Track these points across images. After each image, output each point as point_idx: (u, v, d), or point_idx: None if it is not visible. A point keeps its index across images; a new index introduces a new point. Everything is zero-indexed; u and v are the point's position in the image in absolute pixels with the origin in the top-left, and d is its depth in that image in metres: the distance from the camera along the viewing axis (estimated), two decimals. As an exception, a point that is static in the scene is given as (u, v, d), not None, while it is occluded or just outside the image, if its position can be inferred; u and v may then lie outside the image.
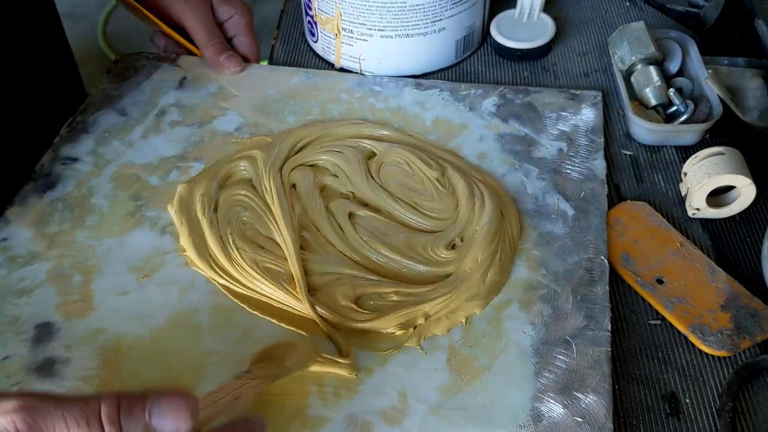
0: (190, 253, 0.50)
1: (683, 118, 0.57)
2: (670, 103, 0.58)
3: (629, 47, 0.60)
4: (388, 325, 0.46)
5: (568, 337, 0.45)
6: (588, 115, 0.60)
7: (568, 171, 0.56)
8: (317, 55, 0.70)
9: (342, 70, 0.68)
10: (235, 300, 0.48)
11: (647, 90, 0.59)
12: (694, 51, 0.62)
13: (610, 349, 0.44)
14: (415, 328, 0.46)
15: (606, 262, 0.49)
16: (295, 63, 0.70)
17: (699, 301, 0.46)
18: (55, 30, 0.70)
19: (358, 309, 0.47)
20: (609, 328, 0.45)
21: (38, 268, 0.50)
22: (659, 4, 0.69)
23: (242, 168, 0.56)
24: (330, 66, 0.69)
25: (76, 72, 0.75)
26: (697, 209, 0.51)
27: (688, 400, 0.43)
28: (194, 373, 0.44)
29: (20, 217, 0.54)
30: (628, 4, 0.74)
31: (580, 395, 0.42)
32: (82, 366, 0.45)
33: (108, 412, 0.32)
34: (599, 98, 0.62)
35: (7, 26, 0.60)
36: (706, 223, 0.52)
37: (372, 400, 0.43)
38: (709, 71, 0.57)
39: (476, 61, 0.69)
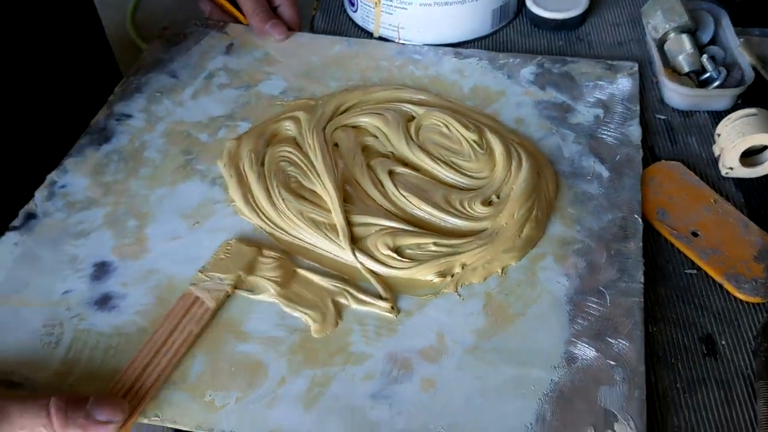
0: (239, 203, 0.53)
1: (716, 84, 0.58)
2: (703, 70, 0.60)
3: (663, 16, 0.62)
4: (426, 273, 0.48)
5: (601, 288, 0.47)
6: (624, 84, 0.62)
7: (603, 136, 0.57)
8: (356, 25, 0.73)
9: (381, 39, 0.70)
10: (281, 246, 0.50)
11: (680, 57, 0.60)
12: (725, 21, 0.63)
13: (642, 300, 0.46)
14: (452, 276, 0.48)
15: (639, 220, 0.50)
16: (334, 32, 0.72)
17: (733, 253, 0.47)
18: (89, 13, 0.73)
19: (398, 258, 0.49)
20: (642, 280, 0.47)
21: (95, 213, 0.53)
22: (692, -23, 0.70)
23: (287, 128, 0.58)
24: (369, 35, 0.71)
25: (110, 55, 0.78)
26: (731, 168, 0.52)
27: (724, 342, 0.44)
28: (242, 309, 0.47)
29: (77, 167, 0.57)
30: (662, -22, 0.75)
31: (612, 340, 0.44)
32: (138, 302, 0.47)
33: (57, 403, 0.39)
34: (635, 69, 0.63)
35: (46, 11, 0.62)
36: (739, 182, 0.53)
37: (411, 340, 0.45)
38: (741, 39, 0.58)
39: (511, 31, 0.71)
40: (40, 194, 0.55)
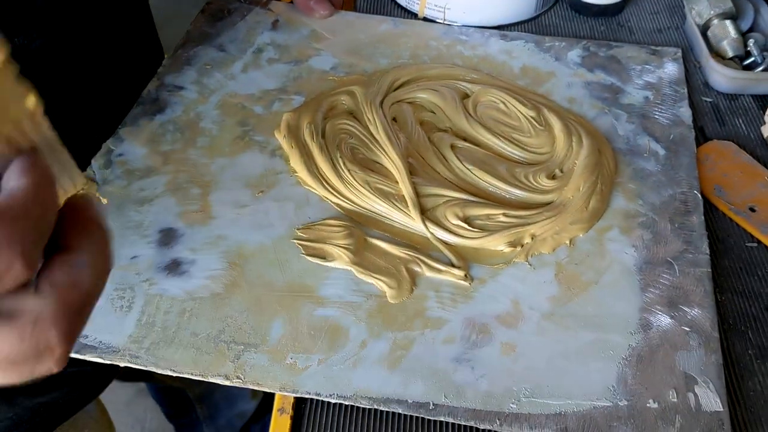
0: (302, 174, 0.53)
1: (761, 68, 0.60)
2: (747, 55, 0.61)
3: (707, 2, 0.63)
4: (497, 242, 0.48)
5: (669, 259, 0.48)
6: (670, 68, 0.63)
7: (656, 116, 0.58)
8: (398, 6, 0.73)
9: (426, 20, 0.71)
10: (349, 216, 0.51)
11: (725, 42, 0.62)
12: (765, 10, 0.65)
13: (710, 270, 0.47)
14: (522, 246, 0.49)
15: (699, 196, 0.52)
16: (377, 13, 0.72)
17: (792, 227, 0.49)
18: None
19: (469, 228, 0.49)
20: (707, 252, 0.48)
21: (156, 181, 0.53)
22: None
23: (343, 102, 0.59)
24: (413, 16, 0.72)
25: (155, 32, 0.77)
26: (784, 148, 0.54)
27: (792, 312, 0.46)
28: (316, 276, 0.47)
29: (133, 135, 0.56)
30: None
31: (685, 308, 0.45)
32: (208, 267, 0.47)
33: None
34: (679, 54, 0.64)
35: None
36: (789, 162, 0.55)
37: (487, 306, 0.45)
38: (785, 26, 0.60)
39: (553, 16, 0.72)
40: (96, 162, 0.54)
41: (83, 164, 0.54)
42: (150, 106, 0.59)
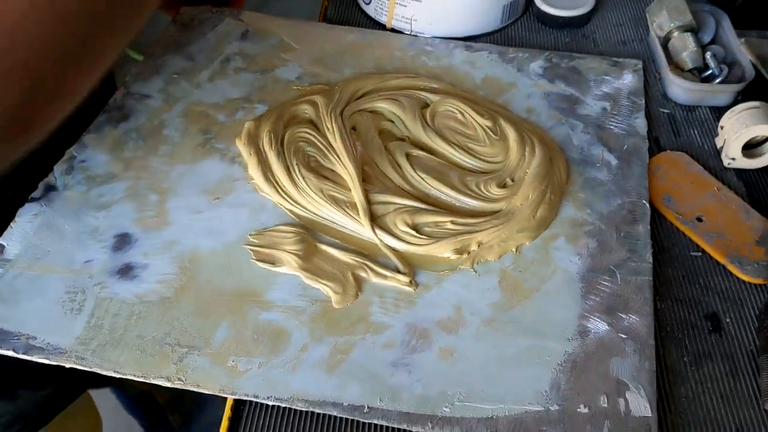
0: (258, 181, 0.54)
1: (718, 80, 0.61)
2: (706, 68, 0.62)
3: (668, 15, 0.64)
4: (444, 249, 0.49)
5: (612, 267, 0.48)
6: (629, 79, 0.64)
7: (611, 127, 0.59)
8: (368, 17, 0.74)
9: (393, 30, 0.72)
10: (302, 223, 0.52)
11: (684, 54, 0.63)
12: (726, 23, 0.66)
13: (651, 278, 0.47)
14: (468, 253, 0.49)
15: (647, 205, 0.52)
16: (345, 24, 0.74)
17: (736, 237, 0.50)
18: None
19: (417, 235, 0.50)
20: (650, 260, 0.49)
21: (116, 187, 0.54)
22: (694, -18, 0.73)
23: (305, 111, 0.60)
24: (381, 27, 0.73)
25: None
26: (733, 159, 0.55)
27: (728, 320, 0.46)
28: (264, 281, 0.48)
29: (97, 142, 0.57)
30: (664, -17, 0.78)
31: (623, 315, 0.46)
32: (160, 271, 0.48)
33: None
34: (640, 66, 0.65)
35: None
36: (740, 172, 0.56)
37: (429, 311, 0.46)
38: (742, 39, 0.61)
39: (520, 28, 0.73)
40: (59, 168, 0.55)
41: (47, 170, 0.55)
42: (115, 114, 0.60)
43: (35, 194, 0.53)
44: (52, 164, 0.55)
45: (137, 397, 0.95)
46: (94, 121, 0.59)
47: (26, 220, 0.51)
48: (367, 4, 0.73)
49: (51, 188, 0.54)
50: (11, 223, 0.51)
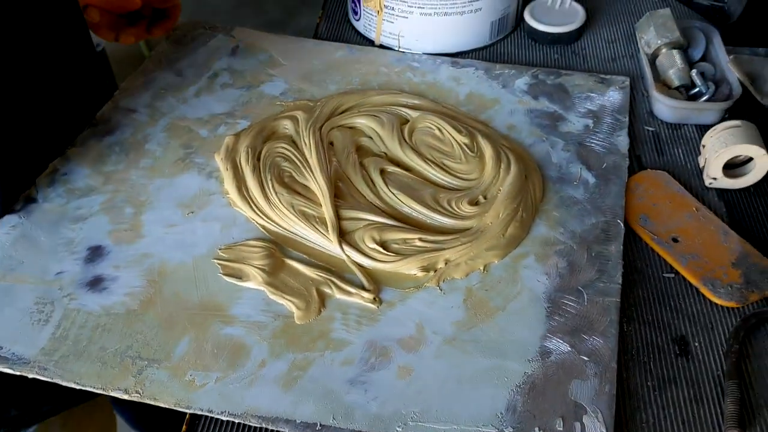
0: (233, 195, 0.54)
1: (704, 98, 0.60)
2: (693, 85, 0.61)
3: (655, 32, 0.63)
4: (410, 266, 0.49)
5: (579, 287, 0.48)
6: (615, 96, 0.63)
7: (592, 145, 0.58)
8: (359, 33, 0.75)
9: (381, 47, 0.72)
10: (271, 237, 0.52)
11: (671, 71, 0.62)
12: (717, 40, 0.65)
13: (619, 300, 0.47)
14: (435, 271, 0.49)
15: (622, 225, 0.51)
16: (337, 40, 0.74)
17: (711, 258, 0.48)
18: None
19: (384, 251, 0.50)
20: (620, 281, 0.48)
21: (94, 200, 0.55)
22: (686, -2, 0.72)
23: (285, 126, 0.60)
24: (370, 43, 0.73)
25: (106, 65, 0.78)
26: (714, 179, 0.53)
27: (697, 344, 0.45)
28: (230, 295, 0.48)
29: (80, 156, 0.58)
30: (656, -2, 0.77)
31: (587, 337, 0.45)
32: (128, 284, 0.49)
33: None
34: (627, 83, 0.64)
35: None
36: (722, 192, 0.55)
37: (391, 329, 0.46)
38: (731, 56, 0.60)
39: (509, 44, 0.72)
40: (41, 181, 0.56)
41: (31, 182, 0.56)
42: (101, 128, 0.61)
43: (16, 206, 0.54)
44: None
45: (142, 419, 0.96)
46: (80, 135, 0.60)
47: (4, 231, 0.52)
48: (357, 20, 0.74)
49: (31, 200, 0.55)
50: (-11, 234, 0.52)
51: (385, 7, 0.69)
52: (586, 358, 0.44)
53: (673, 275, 0.49)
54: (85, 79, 0.63)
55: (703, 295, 0.48)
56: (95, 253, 0.51)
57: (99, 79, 0.72)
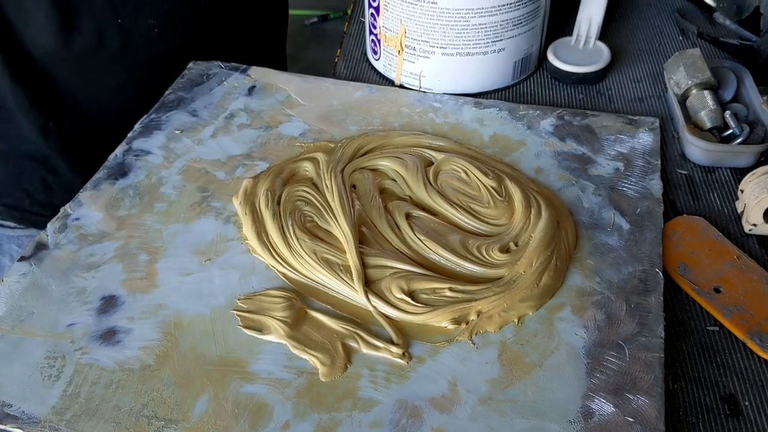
0: (252, 242, 0.52)
1: (738, 140, 0.58)
2: (726, 127, 0.59)
3: (685, 72, 0.62)
4: (441, 319, 0.47)
5: (620, 342, 0.45)
6: (645, 138, 0.61)
7: (624, 189, 0.56)
8: (378, 73, 0.73)
9: (402, 87, 0.70)
10: (293, 286, 0.49)
11: (702, 113, 0.60)
12: (748, 80, 0.63)
13: (663, 355, 0.44)
14: (467, 323, 0.47)
15: (660, 274, 0.49)
16: (356, 79, 0.73)
17: (757, 310, 0.46)
18: None
19: (412, 302, 0.47)
20: (662, 335, 0.45)
21: (107, 246, 0.53)
22: (712, 37, 0.71)
23: (305, 168, 0.58)
24: (390, 83, 0.72)
25: None
26: (754, 225, 0.51)
27: (747, 403, 0.42)
28: (249, 349, 0.45)
29: (92, 200, 0.56)
30: (681, 38, 0.76)
31: (631, 396, 0.42)
32: (143, 337, 0.46)
33: None
34: (656, 124, 0.63)
35: None
36: (762, 239, 0.52)
37: (422, 387, 0.43)
38: (764, 97, 0.58)
39: (532, 84, 0.71)
40: (52, 226, 0.54)
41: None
42: (114, 170, 0.59)
43: (25, 253, 0.52)
44: None
45: None
46: (91, 178, 0.59)
47: (14, 280, 0.50)
48: (377, 60, 0.72)
49: (42, 247, 0.53)
50: (-1, 284, 0.50)
51: (406, 47, 0.67)
52: (631, 419, 0.41)
53: (717, 328, 0.47)
54: None
55: (750, 350, 0.45)
56: (108, 303, 0.49)
57: None
